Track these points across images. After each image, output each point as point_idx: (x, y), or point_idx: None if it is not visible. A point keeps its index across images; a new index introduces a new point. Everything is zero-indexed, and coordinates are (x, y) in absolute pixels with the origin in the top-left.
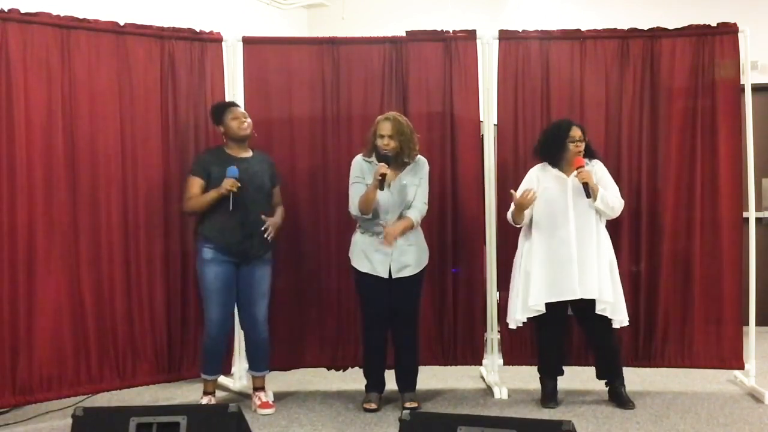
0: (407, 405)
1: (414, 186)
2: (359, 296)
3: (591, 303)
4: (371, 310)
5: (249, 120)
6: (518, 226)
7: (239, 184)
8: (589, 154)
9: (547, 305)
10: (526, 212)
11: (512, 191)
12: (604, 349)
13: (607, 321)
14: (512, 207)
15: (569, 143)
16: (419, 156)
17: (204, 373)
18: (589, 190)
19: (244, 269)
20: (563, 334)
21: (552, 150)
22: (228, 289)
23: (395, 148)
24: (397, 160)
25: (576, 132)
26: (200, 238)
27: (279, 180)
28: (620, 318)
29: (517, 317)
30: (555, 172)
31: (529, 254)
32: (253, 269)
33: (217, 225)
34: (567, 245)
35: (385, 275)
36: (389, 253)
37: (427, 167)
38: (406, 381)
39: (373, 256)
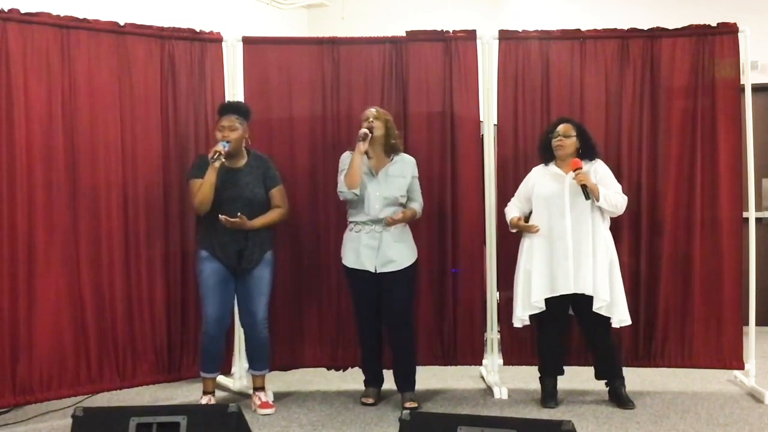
0: (407, 405)
1: (402, 178)
2: (351, 293)
3: (589, 301)
4: (361, 305)
5: (234, 134)
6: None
7: (226, 149)
8: (590, 154)
9: (547, 303)
10: (520, 208)
11: (519, 219)
12: (602, 349)
13: (605, 320)
14: (509, 215)
15: (552, 139)
16: (406, 154)
17: (203, 370)
18: (587, 192)
19: (241, 272)
20: (563, 334)
21: (543, 146)
22: (224, 286)
23: (380, 128)
24: (385, 145)
25: (562, 127)
26: (198, 240)
27: (276, 182)
28: (619, 317)
29: (518, 315)
30: (553, 169)
31: (529, 252)
32: (251, 270)
33: (208, 234)
34: (563, 240)
35: (372, 269)
36: (375, 248)
37: (416, 167)
38: (404, 381)
39: (361, 251)
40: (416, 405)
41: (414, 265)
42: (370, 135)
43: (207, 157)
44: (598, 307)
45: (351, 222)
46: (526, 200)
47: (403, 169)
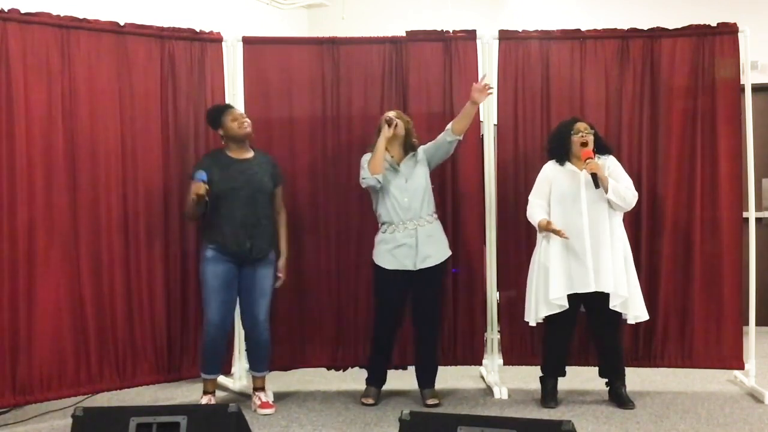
0: (429, 402)
1: (419, 163)
2: (377, 293)
3: (604, 299)
4: (387, 306)
5: (248, 120)
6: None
7: (206, 187)
8: (602, 150)
9: None
10: (544, 208)
11: (549, 222)
12: (609, 349)
13: (617, 319)
14: (537, 218)
15: (573, 135)
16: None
17: (203, 372)
18: (597, 181)
19: (246, 269)
20: (572, 334)
21: (557, 144)
22: (228, 288)
23: (402, 127)
24: (405, 144)
25: (581, 125)
26: (203, 238)
27: (281, 180)
28: (636, 313)
29: (540, 314)
30: (568, 166)
31: (546, 250)
32: (255, 269)
33: (217, 226)
34: (581, 238)
35: (412, 267)
36: (413, 246)
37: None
38: (427, 377)
39: (399, 251)
40: (438, 402)
41: (449, 260)
42: (395, 122)
43: (208, 160)
44: (614, 304)
45: (383, 223)
46: (547, 198)
47: (416, 155)
